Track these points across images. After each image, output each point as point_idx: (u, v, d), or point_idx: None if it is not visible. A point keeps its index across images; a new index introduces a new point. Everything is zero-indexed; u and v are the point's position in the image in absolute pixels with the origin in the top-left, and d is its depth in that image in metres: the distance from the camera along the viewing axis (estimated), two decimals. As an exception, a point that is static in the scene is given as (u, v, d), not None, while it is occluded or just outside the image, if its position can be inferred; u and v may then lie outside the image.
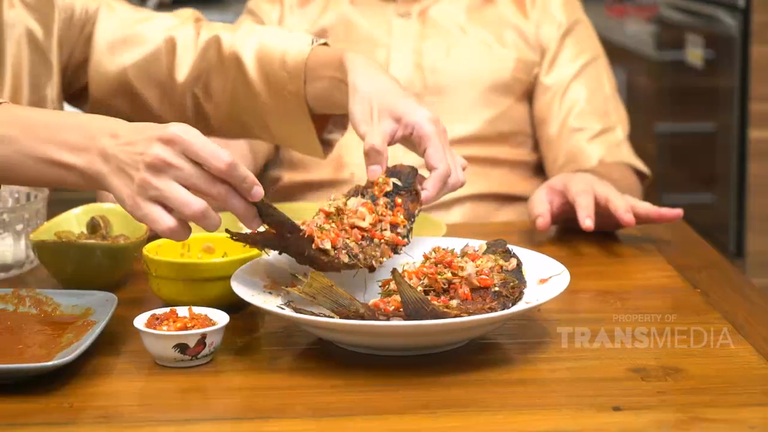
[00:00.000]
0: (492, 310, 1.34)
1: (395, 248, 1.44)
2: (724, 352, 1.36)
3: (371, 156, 1.51)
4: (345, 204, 1.44)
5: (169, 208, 1.29)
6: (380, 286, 1.42)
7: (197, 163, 1.29)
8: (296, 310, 1.34)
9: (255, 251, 1.48)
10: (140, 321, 1.33)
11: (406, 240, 1.46)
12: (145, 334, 1.31)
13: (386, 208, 1.47)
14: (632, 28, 4.29)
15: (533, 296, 1.39)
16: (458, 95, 2.15)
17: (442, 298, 1.37)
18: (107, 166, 1.31)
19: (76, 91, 1.87)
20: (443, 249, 1.44)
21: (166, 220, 1.29)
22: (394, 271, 1.34)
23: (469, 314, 1.32)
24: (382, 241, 1.43)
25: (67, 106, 1.91)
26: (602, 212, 1.74)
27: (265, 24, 2.18)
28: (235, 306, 1.42)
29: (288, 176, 2.18)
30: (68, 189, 1.38)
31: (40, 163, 1.34)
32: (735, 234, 3.47)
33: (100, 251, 1.56)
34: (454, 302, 1.35)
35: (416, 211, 1.50)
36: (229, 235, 1.36)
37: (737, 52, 3.41)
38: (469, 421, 1.19)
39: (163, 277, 1.47)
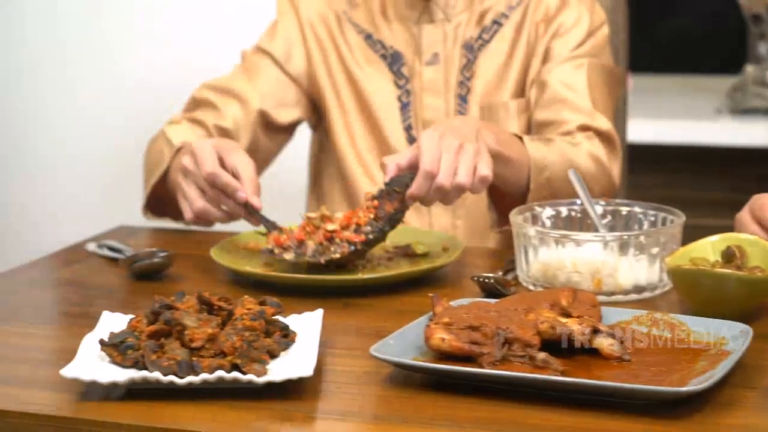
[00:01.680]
0: None
1: (353, 245, 1.72)
2: None
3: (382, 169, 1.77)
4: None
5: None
6: None
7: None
8: None
9: None
10: (778, 356, 1.29)
11: (364, 237, 1.72)
12: (783, 371, 1.27)
13: (366, 210, 1.74)
14: None
15: None
16: None
17: None
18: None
19: None
20: None
21: (185, 211, 1.90)
22: None
23: None
24: (344, 240, 1.72)
25: None
26: None
27: None
28: None
29: None
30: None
31: None
32: None
33: (735, 281, 1.53)
34: None
35: (392, 210, 1.73)
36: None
37: None
38: None
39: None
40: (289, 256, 1.72)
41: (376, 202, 1.74)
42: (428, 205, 1.78)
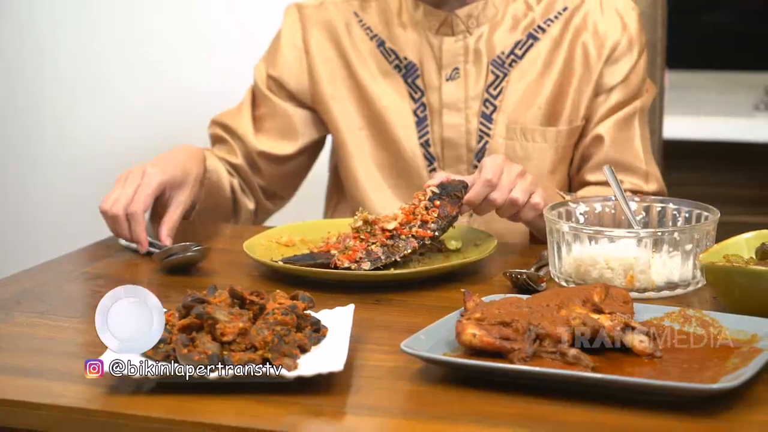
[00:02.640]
0: None
1: (422, 240, 1.74)
2: None
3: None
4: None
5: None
6: None
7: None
8: None
9: None
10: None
11: (431, 233, 1.74)
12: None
13: (425, 209, 1.76)
14: None
15: None
16: None
17: None
18: None
19: None
20: None
21: (105, 200, 1.90)
22: None
23: None
24: (410, 235, 1.74)
25: None
26: None
27: None
28: None
29: None
30: None
31: None
32: None
33: (767, 278, 1.52)
34: None
35: (455, 212, 1.77)
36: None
37: None
38: None
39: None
40: (366, 266, 1.72)
41: (437, 202, 1.77)
42: (481, 214, 1.82)
